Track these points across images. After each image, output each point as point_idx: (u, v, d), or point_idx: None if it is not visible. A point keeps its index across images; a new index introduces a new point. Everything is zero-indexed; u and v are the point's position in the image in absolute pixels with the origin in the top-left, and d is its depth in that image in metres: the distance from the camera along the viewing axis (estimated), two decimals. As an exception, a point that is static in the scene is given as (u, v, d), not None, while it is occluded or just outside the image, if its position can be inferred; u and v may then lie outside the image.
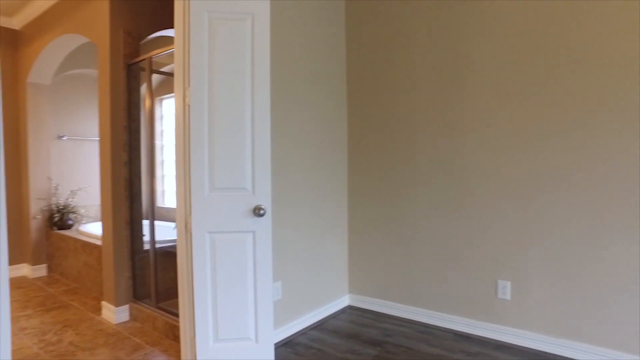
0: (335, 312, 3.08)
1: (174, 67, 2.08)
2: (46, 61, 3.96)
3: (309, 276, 2.84)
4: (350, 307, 3.19)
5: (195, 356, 1.99)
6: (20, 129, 4.25)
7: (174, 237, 3.28)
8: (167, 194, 5.05)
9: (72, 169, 4.71)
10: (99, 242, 3.56)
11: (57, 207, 4.37)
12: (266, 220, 2.02)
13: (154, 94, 5.00)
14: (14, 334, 2.75)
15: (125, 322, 2.92)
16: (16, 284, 3.93)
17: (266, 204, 2.00)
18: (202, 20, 1.90)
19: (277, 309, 2.58)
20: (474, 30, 2.58)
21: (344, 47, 3.16)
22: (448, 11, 2.67)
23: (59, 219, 4.34)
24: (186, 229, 2.06)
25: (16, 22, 4.13)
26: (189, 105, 1.98)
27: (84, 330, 2.79)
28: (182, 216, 2.08)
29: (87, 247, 3.68)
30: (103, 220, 3.00)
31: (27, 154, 4.18)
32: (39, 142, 4.23)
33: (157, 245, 2.94)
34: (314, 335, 2.68)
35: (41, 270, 4.26)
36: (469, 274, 2.65)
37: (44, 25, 3.73)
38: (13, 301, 3.42)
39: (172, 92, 4.81)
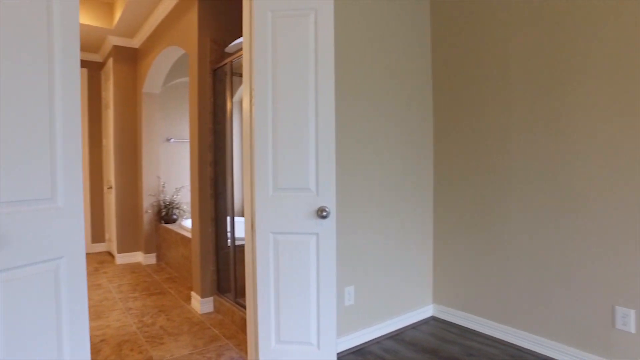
0: (416, 323, 2.87)
1: (243, 68, 2.13)
2: (156, 73, 4.43)
3: (387, 282, 2.69)
4: (434, 319, 2.95)
5: (258, 355, 2.00)
6: (137, 133, 4.83)
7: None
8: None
9: (177, 169, 5.21)
10: (193, 236, 3.86)
11: (164, 202, 4.87)
12: (330, 223, 1.94)
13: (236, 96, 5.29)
14: (122, 312, 3.11)
15: (209, 313, 3.10)
16: (131, 269, 4.47)
17: (330, 205, 1.93)
18: (265, 19, 1.91)
19: (349, 315, 2.48)
20: (588, 18, 2.17)
21: (428, 40, 2.93)
22: (549, -14, 2.29)
23: (165, 213, 4.83)
24: (252, 229, 2.09)
25: (136, 42, 4.71)
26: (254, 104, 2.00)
27: (174, 316, 3.03)
28: (249, 215, 2.11)
29: (184, 240, 4.02)
30: (192, 216, 3.23)
31: (141, 155, 4.73)
32: (151, 145, 4.76)
33: (238, 242, 3.07)
34: (389, 346, 2.52)
35: (151, 259, 4.79)
36: (578, 296, 2.24)
37: (153, 41, 4.17)
38: (127, 284, 3.89)
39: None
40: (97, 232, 5.37)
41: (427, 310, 2.97)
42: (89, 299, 3.43)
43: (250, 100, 2.05)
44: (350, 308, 2.49)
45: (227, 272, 3.23)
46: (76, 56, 1.52)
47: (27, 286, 1.39)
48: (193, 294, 3.26)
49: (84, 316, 1.57)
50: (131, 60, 4.78)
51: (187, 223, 4.54)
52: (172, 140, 5.18)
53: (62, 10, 1.47)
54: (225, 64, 2.93)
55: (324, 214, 1.90)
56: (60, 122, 1.48)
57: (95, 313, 3.11)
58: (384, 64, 2.64)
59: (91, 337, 2.67)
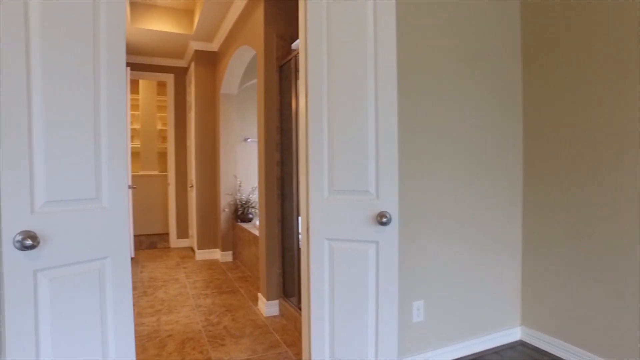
0: (500, 347, 2.48)
1: (299, 61, 1.98)
2: (231, 74, 4.53)
3: (464, 298, 2.35)
4: (522, 344, 2.53)
5: (311, 371, 1.83)
6: (216, 134, 5.00)
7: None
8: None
9: (253, 168, 5.29)
10: (263, 236, 3.84)
11: (240, 202, 4.97)
12: (391, 230, 1.70)
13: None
14: (192, 308, 3.18)
15: (273, 317, 3.02)
16: (207, 265, 4.63)
17: (392, 210, 1.69)
18: (319, 7, 1.73)
19: (417, 332, 2.21)
20: None
21: (516, 17, 2.51)
22: None
23: (242, 212, 4.92)
24: (307, 233, 1.93)
25: (214, 45, 4.87)
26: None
27: (239, 317, 3.00)
28: (305, 218, 1.96)
29: (256, 240, 4.03)
30: (260, 217, 3.19)
31: (219, 155, 4.88)
32: (228, 145, 4.89)
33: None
34: (465, 372, 2.20)
35: (228, 256, 4.91)
36: None
37: (229, 43, 4.26)
38: (202, 280, 4.01)
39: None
40: (181, 229, 5.68)
41: (513, 333, 2.55)
42: (166, 292, 3.59)
43: (306, 96, 1.89)
44: (418, 325, 2.21)
45: (293, 275, 3.12)
46: (121, 57, 1.49)
47: (73, 285, 1.38)
48: (260, 295, 3.21)
49: (129, 316, 1.53)
50: (211, 63, 4.96)
51: (260, 222, 4.56)
52: (248, 140, 5.28)
53: (108, 10, 1.45)
54: (290, 59, 2.82)
55: (385, 220, 1.66)
56: (105, 123, 1.45)
57: (169, 307, 3.22)
58: (458, 50, 2.31)
59: (160, 331, 2.74)
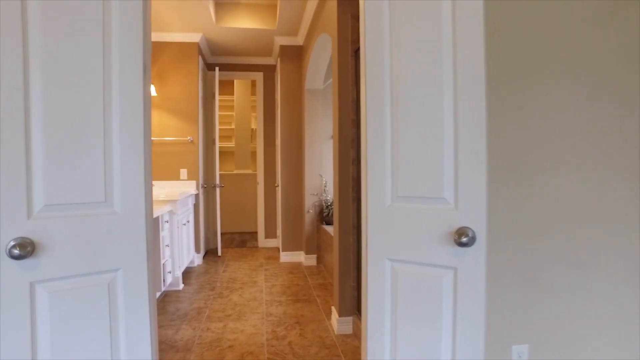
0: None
1: (360, 39, 1.58)
2: (315, 67, 4.27)
3: (590, 343, 1.71)
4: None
5: None
6: (302, 131, 4.80)
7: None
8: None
9: (341, 168, 4.97)
10: (343, 242, 3.49)
11: (326, 203, 4.70)
12: (476, 253, 1.22)
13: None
14: (261, 317, 2.98)
15: (345, 336, 2.66)
16: (290, 269, 4.44)
17: (477, 226, 1.21)
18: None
19: (520, 388, 1.64)
20: None
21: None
22: None
23: (327, 214, 4.64)
24: (367, 247, 1.52)
25: (299, 39, 4.68)
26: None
27: (308, 332, 2.70)
28: (365, 230, 1.55)
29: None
30: (334, 222, 2.85)
31: (304, 153, 4.67)
32: (314, 142, 4.65)
33: (381, 257, 2.51)
34: None
35: (312, 260, 4.68)
36: None
37: (310, 35, 4.01)
38: (280, 285, 3.83)
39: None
40: (269, 229, 5.64)
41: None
42: (241, 296, 3.47)
43: (365, 79, 1.49)
44: (523, 379, 1.64)
45: (369, 289, 2.72)
46: (137, 51, 1.28)
47: (77, 299, 1.19)
48: (333, 309, 2.88)
49: (145, 337, 1.31)
50: (296, 58, 4.78)
51: (343, 226, 4.22)
52: (335, 138, 4.98)
53: (120, 6, 1.24)
54: (365, 40, 2.42)
55: (465, 239, 1.19)
56: (118, 119, 1.25)
57: (239, 313, 3.07)
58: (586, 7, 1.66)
59: (222, 340, 2.57)
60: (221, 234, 6.52)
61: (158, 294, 3.42)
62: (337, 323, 2.70)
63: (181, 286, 3.73)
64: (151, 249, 1.43)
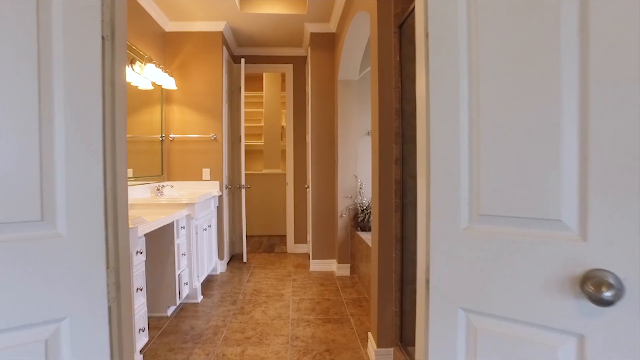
0: None
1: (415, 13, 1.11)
2: (349, 55, 3.81)
3: None
4: None
5: None
6: (334, 127, 4.36)
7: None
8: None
9: (378, 168, 4.49)
10: (381, 254, 3.02)
11: (361, 206, 4.23)
12: (625, 317, 0.73)
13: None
14: (286, 341, 2.57)
15: (386, 373, 2.19)
16: (321, 279, 4.01)
17: (628, 270, 0.72)
18: None
19: None
20: None
21: None
22: None
23: (362, 219, 4.18)
24: (427, 289, 1.06)
25: (332, 25, 4.23)
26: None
27: (340, 366, 2.26)
28: (422, 261, 1.09)
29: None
30: (372, 233, 2.39)
31: (337, 151, 4.23)
32: (348, 139, 4.19)
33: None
34: None
35: (345, 270, 4.23)
36: None
37: (344, 19, 3.55)
38: (308, 299, 3.41)
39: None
40: (299, 233, 5.23)
41: None
42: (265, 313, 3.06)
43: (427, 34, 1.03)
44: None
45: (414, 316, 2.23)
46: (90, 13, 0.88)
47: (-3, 368, 0.81)
48: (370, 337, 2.41)
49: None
50: (328, 46, 4.33)
51: (381, 234, 3.74)
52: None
53: None
54: (413, 10, 1.94)
55: (608, 293, 0.70)
56: (61, 96, 0.85)
57: (260, 335, 2.66)
58: None
59: (239, 374, 2.17)
60: (249, 236, 6.19)
61: (172, 308, 3.08)
62: (375, 355, 2.24)
63: (200, 298, 3.37)
64: (126, 284, 1.02)
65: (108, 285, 0.94)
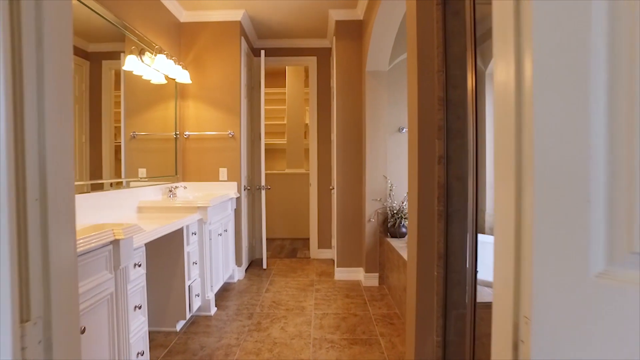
0: None
1: None
2: (379, 42, 3.43)
3: None
4: None
5: None
6: (362, 123, 3.98)
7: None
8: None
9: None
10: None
11: (391, 210, 3.84)
12: None
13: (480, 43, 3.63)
14: (311, 366, 2.22)
15: (426, 418, 1.81)
16: (346, 290, 3.64)
17: None
18: None
19: None
20: None
21: None
22: None
23: (392, 224, 3.79)
24: (515, 354, 0.67)
25: (359, 12, 3.86)
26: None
27: (370, 405, 1.89)
28: (508, 313, 0.70)
29: (406, 267, 2.85)
30: (409, 246, 2.01)
31: (364, 150, 3.86)
32: (377, 137, 3.81)
33: (482, 300, 1.65)
34: None
35: (373, 280, 3.85)
36: None
37: (371, 5, 3.18)
38: (333, 314, 3.05)
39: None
40: (323, 238, 4.88)
41: None
42: (283, 330, 2.72)
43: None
44: None
45: (462, 347, 1.85)
46: None
47: None
48: (405, 368, 2.04)
49: None
50: (355, 35, 3.96)
51: (414, 242, 3.35)
52: (403, 130, 4.11)
53: None
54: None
55: None
56: None
57: (277, 359, 2.33)
58: None
59: (250, 413, 1.84)
60: (271, 239, 5.89)
61: (182, 322, 2.79)
62: (413, 394, 1.86)
63: (213, 311, 3.07)
64: (71, 336, 0.69)
65: (25, 348, 0.62)
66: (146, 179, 3.19)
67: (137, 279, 1.94)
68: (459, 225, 1.82)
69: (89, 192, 2.35)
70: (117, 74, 2.75)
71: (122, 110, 2.81)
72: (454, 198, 1.80)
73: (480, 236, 1.56)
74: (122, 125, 2.81)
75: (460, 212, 1.81)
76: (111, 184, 2.64)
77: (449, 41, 1.81)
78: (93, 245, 1.48)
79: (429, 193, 1.84)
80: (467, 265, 1.61)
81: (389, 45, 3.51)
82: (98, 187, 2.46)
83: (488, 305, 1.58)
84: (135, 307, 1.93)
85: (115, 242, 1.64)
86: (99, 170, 2.52)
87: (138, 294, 1.97)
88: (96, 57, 2.50)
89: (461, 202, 1.81)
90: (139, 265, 1.96)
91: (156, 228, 2.13)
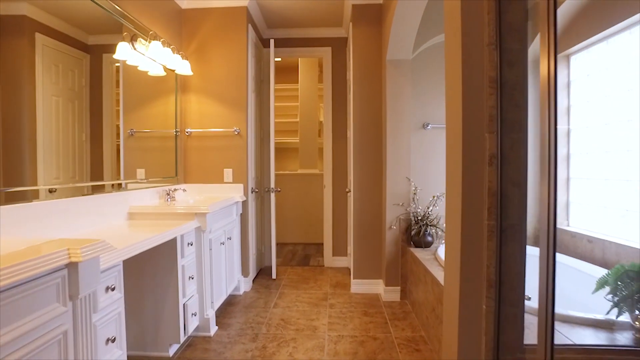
0: None
1: None
2: (401, 27, 3.01)
3: None
4: None
5: None
6: (382, 118, 3.57)
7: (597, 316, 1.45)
8: (574, 209, 3.08)
9: (437, 167, 3.66)
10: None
11: (415, 216, 3.42)
12: None
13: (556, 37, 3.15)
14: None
15: None
16: (364, 306, 3.24)
17: None
18: None
19: None
20: None
21: None
22: None
23: (416, 232, 3.37)
24: None
25: (380, -7, 3.46)
26: None
27: None
28: None
29: (436, 287, 2.43)
30: (446, 270, 1.59)
31: (385, 148, 3.44)
32: (398, 134, 3.40)
33: (559, 343, 1.23)
34: None
35: (394, 294, 3.43)
36: None
37: (399, -26, 2.77)
38: (349, 337, 2.65)
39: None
40: (338, 244, 4.48)
41: None
42: (291, 356, 2.34)
43: None
44: None
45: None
46: None
47: None
48: (441, 420, 1.62)
49: None
50: (374, 20, 3.55)
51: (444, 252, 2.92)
52: (429, 127, 3.68)
53: None
54: None
55: None
56: None
57: (284, 401, 1.94)
58: None
59: None
60: (282, 244, 5.52)
61: (175, 346, 2.43)
62: None
63: (213, 330, 2.71)
64: None
65: None
66: (144, 181, 2.86)
67: (109, 306, 1.58)
68: (516, 244, 1.40)
69: (91, 194, 2.19)
70: (119, 68, 2.51)
71: (120, 105, 2.55)
72: (510, 209, 1.39)
73: (559, 256, 1.14)
74: (120, 121, 2.53)
75: (517, 227, 1.39)
76: (112, 186, 2.45)
77: (503, 6, 1.40)
78: (36, 272, 1.12)
79: (476, 202, 1.42)
80: (544, 296, 1.18)
81: (413, 30, 3.09)
82: (99, 189, 2.31)
83: (572, 350, 1.16)
84: (108, 340, 1.57)
85: (72, 265, 1.28)
86: (100, 170, 2.34)
87: (112, 323, 1.61)
88: (96, 50, 2.30)
89: (519, 214, 1.39)
90: (113, 289, 1.60)
91: (135, 243, 1.76)
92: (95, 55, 2.29)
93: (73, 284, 1.29)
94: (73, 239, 1.41)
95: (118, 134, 2.53)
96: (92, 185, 2.23)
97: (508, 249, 1.37)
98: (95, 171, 2.28)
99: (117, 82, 2.53)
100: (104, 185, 2.35)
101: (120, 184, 2.53)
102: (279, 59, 5.79)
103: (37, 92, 1.83)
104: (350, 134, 3.70)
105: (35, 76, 1.82)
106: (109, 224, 2.31)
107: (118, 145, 2.53)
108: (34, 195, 1.77)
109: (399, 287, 3.44)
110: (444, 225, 3.45)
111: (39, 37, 1.84)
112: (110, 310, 1.59)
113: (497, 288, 1.39)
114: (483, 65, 1.40)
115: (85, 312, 1.39)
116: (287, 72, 6.48)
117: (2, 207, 1.56)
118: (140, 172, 2.86)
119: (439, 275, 2.48)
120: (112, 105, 2.45)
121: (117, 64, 2.51)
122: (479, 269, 1.43)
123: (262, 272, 4.24)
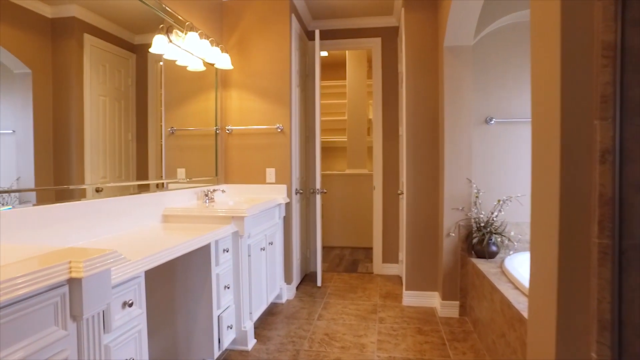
0: None
1: None
2: (461, 12, 2.64)
3: None
4: None
5: None
6: (439, 113, 3.20)
7: None
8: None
9: (502, 167, 3.22)
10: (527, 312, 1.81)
11: (477, 223, 3.01)
12: None
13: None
14: None
15: None
16: (417, 322, 2.88)
17: None
18: None
19: None
20: None
21: None
22: None
23: (478, 240, 2.96)
24: None
25: (437, -28, 3.09)
26: None
27: None
28: None
29: (507, 309, 2.04)
30: (531, 297, 1.24)
31: (442, 146, 3.07)
32: (457, 129, 3.01)
33: None
34: None
35: (452, 309, 3.05)
36: None
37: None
38: (400, 358, 2.33)
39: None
40: (389, 250, 4.14)
41: None
42: (337, 385, 2.06)
43: None
44: None
45: None
46: None
47: None
48: None
49: None
50: (429, 4, 3.18)
51: (518, 265, 2.51)
52: (492, 122, 3.25)
53: None
54: None
55: None
56: None
57: None
58: None
59: None
60: (329, 247, 5.27)
61: (210, 363, 2.23)
62: None
63: (251, 344, 2.49)
64: None
65: None
66: (185, 181, 2.73)
67: (126, 324, 1.39)
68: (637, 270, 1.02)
69: (138, 194, 2.20)
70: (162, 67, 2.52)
71: (162, 103, 2.51)
72: (633, 223, 1.01)
73: None
74: (162, 120, 2.47)
75: (643, 247, 1.02)
76: (157, 185, 2.43)
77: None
78: (24, 291, 0.92)
79: (580, 214, 1.06)
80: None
81: (476, 10, 2.70)
82: (145, 188, 2.30)
83: None
84: (125, 363, 1.37)
85: (75, 281, 1.08)
86: (145, 170, 2.32)
87: (130, 343, 1.42)
88: (142, 50, 2.29)
89: (646, 230, 1.01)
90: (131, 305, 1.40)
91: (159, 251, 1.56)
92: (141, 54, 2.27)
93: (76, 302, 1.09)
94: (82, 249, 1.22)
95: (161, 133, 2.48)
96: (138, 185, 2.22)
97: (631, 278, 1.00)
98: (141, 171, 2.26)
99: (161, 81, 2.49)
100: (148, 184, 2.32)
101: (162, 184, 2.48)
102: (325, 54, 5.53)
103: (85, 92, 1.82)
104: (403, 131, 3.35)
105: (84, 76, 1.81)
106: (140, 227, 2.16)
107: (161, 145, 2.48)
108: (81, 194, 1.78)
109: (457, 302, 3.05)
110: (512, 233, 3.02)
111: (87, 38, 1.83)
112: (128, 329, 1.40)
113: (614, 331, 1.01)
114: (592, 25, 1.04)
115: (94, 333, 1.19)
116: (334, 69, 6.22)
117: (50, 206, 1.42)
118: (181, 172, 2.73)
119: (510, 294, 2.09)
120: (156, 104, 2.43)
121: (160, 62, 2.46)
122: (586, 304, 1.06)
123: (307, 278, 3.99)
